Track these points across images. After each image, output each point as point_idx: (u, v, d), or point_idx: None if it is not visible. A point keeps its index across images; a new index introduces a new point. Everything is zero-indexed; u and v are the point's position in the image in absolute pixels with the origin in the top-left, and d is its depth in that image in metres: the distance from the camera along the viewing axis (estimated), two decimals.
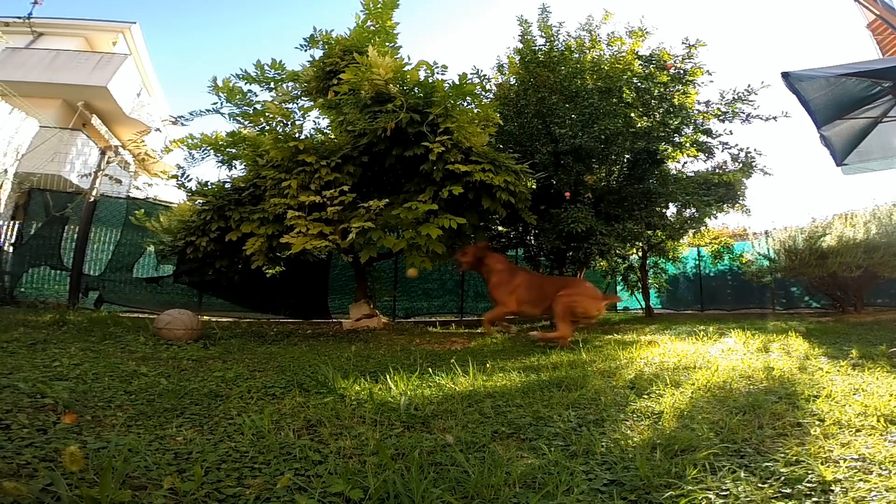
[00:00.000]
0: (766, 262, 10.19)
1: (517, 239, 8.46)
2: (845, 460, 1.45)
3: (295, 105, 7.03)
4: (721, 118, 7.90)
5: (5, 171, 6.77)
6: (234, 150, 6.73)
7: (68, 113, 13.07)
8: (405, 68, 5.45)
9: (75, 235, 7.12)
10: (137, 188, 13.37)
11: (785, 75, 3.51)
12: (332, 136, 6.07)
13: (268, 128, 6.56)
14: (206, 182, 6.62)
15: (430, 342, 5.26)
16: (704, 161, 8.61)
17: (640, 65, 7.73)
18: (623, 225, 6.92)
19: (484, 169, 5.03)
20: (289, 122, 6.48)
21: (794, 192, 48.24)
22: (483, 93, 8.22)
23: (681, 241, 10.43)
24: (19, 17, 13.98)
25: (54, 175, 9.75)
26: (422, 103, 5.20)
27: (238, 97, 6.90)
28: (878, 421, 1.80)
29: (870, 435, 1.68)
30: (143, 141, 13.23)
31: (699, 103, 7.98)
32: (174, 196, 10.67)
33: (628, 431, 1.79)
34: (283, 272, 7.15)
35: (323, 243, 4.97)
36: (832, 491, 1.26)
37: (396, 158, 5.32)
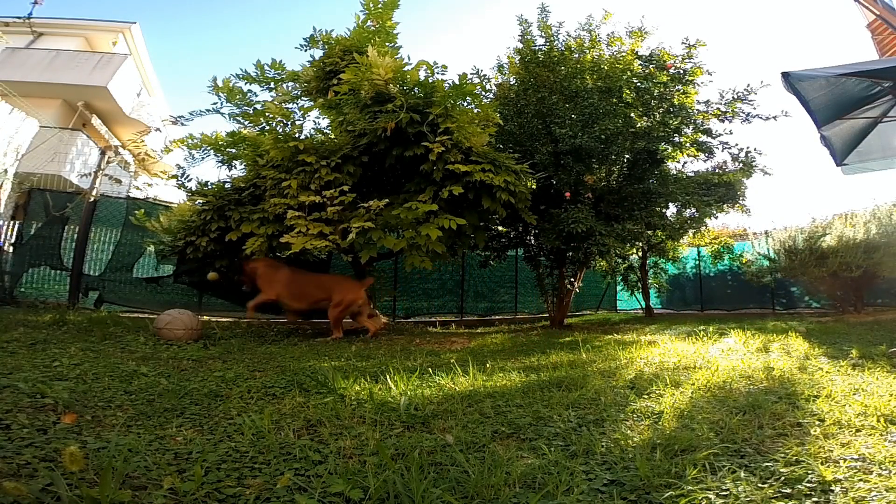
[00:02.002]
0: (766, 262, 10.19)
1: (517, 239, 8.46)
2: (845, 460, 1.45)
3: (295, 105, 7.03)
4: (721, 118, 7.90)
5: (5, 171, 6.76)
6: (234, 150, 6.73)
7: (68, 113, 13.05)
8: (405, 68, 5.45)
9: (75, 235, 7.12)
10: (137, 188, 13.34)
11: (785, 75, 3.51)
12: (332, 136, 6.07)
13: (268, 128, 6.56)
14: (206, 182, 6.62)
15: (430, 342, 5.26)
16: (704, 161, 8.62)
17: (639, 65, 7.72)
18: (623, 225, 6.92)
19: (484, 169, 5.03)
20: (289, 122, 6.48)
21: (794, 192, 48.16)
22: (483, 93, 8.21)
23: (681, 241, 10.42)
24: (19, 17, 13.97)
25: (54, 175, 9.72)
26: (422, 103, 5.20)
27: (238, 97, 6.90)
28: (878, 421, 1.80)
29: (870, 435, 1.68)
30: (143, 141, 13.21)
31: (699, 103, 7.97)
32: (174, 196, 10.66)
33: (628, 431, 1.79)
34: None
35: (323, 243, 4.97)
36: (832, 491, 1.26)
37: (396, 158, 5.32)
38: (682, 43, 7.64)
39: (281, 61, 6.87)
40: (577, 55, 8.00)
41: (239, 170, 6.97)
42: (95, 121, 12.00)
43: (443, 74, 5.45)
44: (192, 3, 49.03)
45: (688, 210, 8.03)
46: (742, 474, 1.36)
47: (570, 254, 7.48)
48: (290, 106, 6.93)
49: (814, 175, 60.59)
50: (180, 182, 6.71)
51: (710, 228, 11.83)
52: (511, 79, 8.36)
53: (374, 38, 6.34)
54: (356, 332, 5.97)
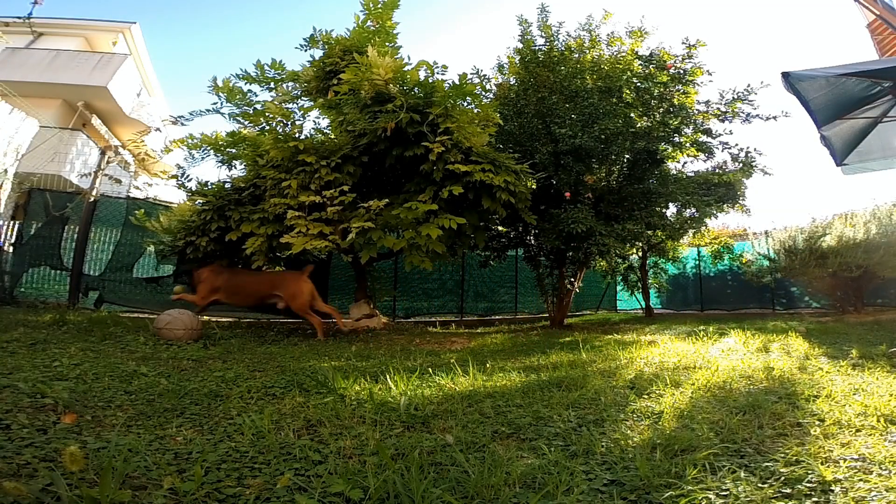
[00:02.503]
0: (766, 262, 10.19)
1: (517, 239, 8.46)
2: (845, 460, 1.45)
3: (295, 105, 7.03)
4: (721, 118, 7.90)
5: (5, 171, 6.76)
6: (234, 150, 6.73)
7: (68, 113, 13.05)
8: (405, 68, 5.45)
9: (75, 235, 7.12)
10: (137, 188, 13.35)
11: (785, 75, 3.51)
12: (332, 136, 6.07)
13: (268, 128, 6.56)
14: (206, 182, 6.62)
15: (430, 342, 5.26)
16: (704, 161, 8.62)
17: (639, 65, 7.72)
18: (623, 225, 6.92)
19: (484, 169, 5.03)
20: (289, 122, 6.48)
21: (794, 192, 48.12)
22: (483, 93, 8.21)
23: (681, 241, 10.42)
24: (19, 17, 13.96)
25: (54, 175, 9.72)
26: (422, 103, 5.20)
27: (238, 97, 6.90)
28: (878, 421, 1.80)
29: (870, 435, 1.68)
30: (143, 141, 13.20)
31: (699, 103, 7.97)
32: (174, 196, 10.67)
33: (628, 431, 1.79)
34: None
35: (323, 243, 4.97)
36: (832, 491, 1.26)
37: (396, 158, 5.32)
38: (683, 43, 7.65)
39: (281, 61, 6.88)
40: (577, 55, 8.00)
41: (239, 170, 6.97)
42: (95, 121, 11.99)
43: (443, 74, 5.46)
44: (192, 3, 49.07)
45: (688, 210, 8.03)
46: (742, 474, 1.36)
47: (570, 254, 7.48)
48: (290, 106, 6.93)
49: (814, 175, 60.61)
50: (180, 182, 6.71)
51: (710, 228, 11.83)
52: (511, 79, 8.36)
53: (374, 38, 6.34)
54: (356, 332, 5.97)
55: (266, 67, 6.89)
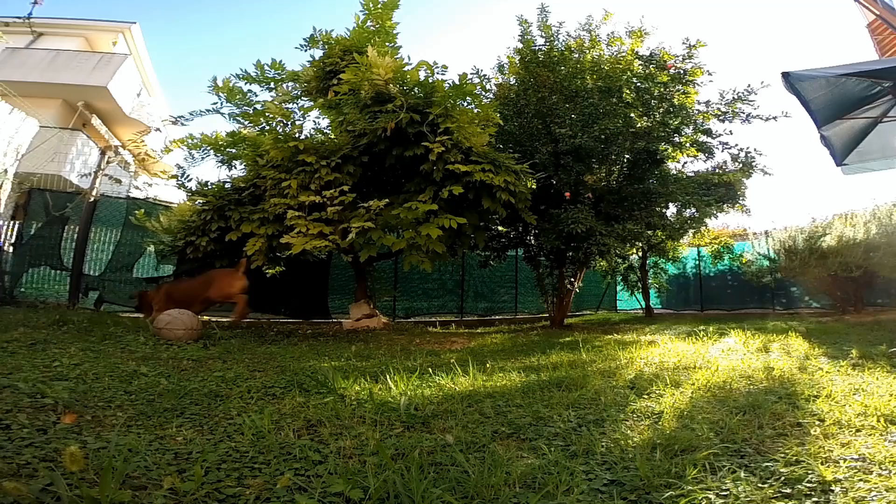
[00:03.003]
0: (766, 262, 10.19)
1: (517, 239, 8.46)
2: (845, 460, 1.45)
3: (295, 105, 7.03)
4: (721, 118, 7.91)
5: (5, 171, 6.75)
6: (234, 150, 6.73)
7: (68, 113, 13.04)
8: (405, 68, 5.46)
9: (75, 235, 7.12)
10: (137, 188, 13.34)
11: (785, 75, 3.51)
12: (332, 136, 6.07)
13: (268, 128, 6.56)
14: (206, 182, 6.63)
15: (430, 342, 5.26)
16: (704, 161, 8.63)
17: (639, 65, 7.72)
18: (623, 225, 6.92)
19: (484, 169, 5.03)
20: (289, 122, 6.48)
21: (794, 192, 48.05)
22: (483, 93, 8.22)
23: (681, 241, 10.42)
24: (19, 17, 13.95)
25: (54, 175, 9.71)
26: (422, 103, 5.20)
27: (238, 97, 6.90)
28: (878, 421, 1.80)
29: (870, 435, 1.68)
30: (143, 141, 13.21)
31: (699, 103, 7.98)
32: (174, 196, 10.66)
33: (628, 431, 1.79)
34: (283, 272, 7.15)
35: (323, 243, 4.97)
36: (832, 491, 1.26)
37: (396, 158, 5.32)
38: (683, 43, 7.66)
39: (281, 61, 6.88)
40: (577, 55, 8.00)
41: (239, 170, 6.98)
42: (95, 121, 11.99)
43: (443, 74, 5.46)
44: (192, 3, 49.00)
45: (688, 210, 8.04)
46: (742, 474, 1.36)
47: (570, 254, 7.48)
48: (290, 106, 6.93)
49: (814, 175, 60.52)
50: (180, 182, 6.71)
51: (710, 228, 11.84)
52: (511, 79, 8.36)
53: (373, 39, 6.34)
54: (356, 332, 5.97)
55: (266, 67, 6.90)
